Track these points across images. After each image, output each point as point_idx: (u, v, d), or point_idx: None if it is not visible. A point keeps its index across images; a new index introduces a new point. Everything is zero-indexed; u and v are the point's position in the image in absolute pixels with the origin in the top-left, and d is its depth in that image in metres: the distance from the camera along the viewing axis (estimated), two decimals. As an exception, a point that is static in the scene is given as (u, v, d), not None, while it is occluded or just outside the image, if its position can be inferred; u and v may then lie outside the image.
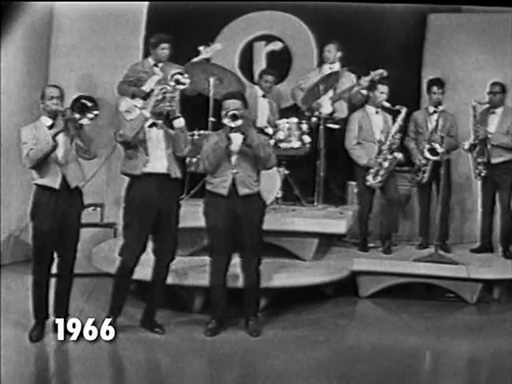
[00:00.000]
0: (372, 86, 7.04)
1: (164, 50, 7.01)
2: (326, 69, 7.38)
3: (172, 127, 5.51)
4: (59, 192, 5.27)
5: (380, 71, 7.11)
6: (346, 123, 7.13)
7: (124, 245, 5.54)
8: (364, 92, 7.22)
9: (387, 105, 6.95)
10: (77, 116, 5.11)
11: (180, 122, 5.47)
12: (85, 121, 5.14)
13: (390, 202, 7.05)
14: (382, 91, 6.98)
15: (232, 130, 5.42)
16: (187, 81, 5.67)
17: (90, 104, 5.15)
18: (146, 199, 5.43)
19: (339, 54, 7.35)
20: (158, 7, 7.64)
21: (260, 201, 5.65)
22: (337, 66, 7.36)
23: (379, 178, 6.91)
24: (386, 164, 6.90)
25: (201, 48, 7.10)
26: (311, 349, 5.48)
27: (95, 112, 5.15)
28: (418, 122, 7.19)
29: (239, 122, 5.38)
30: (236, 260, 5.63)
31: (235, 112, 5.39)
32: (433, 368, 5.40)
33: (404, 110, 6.93)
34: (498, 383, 5.02)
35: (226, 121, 5.40)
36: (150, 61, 7.07)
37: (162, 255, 5.57)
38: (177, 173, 5.53)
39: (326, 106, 7.23)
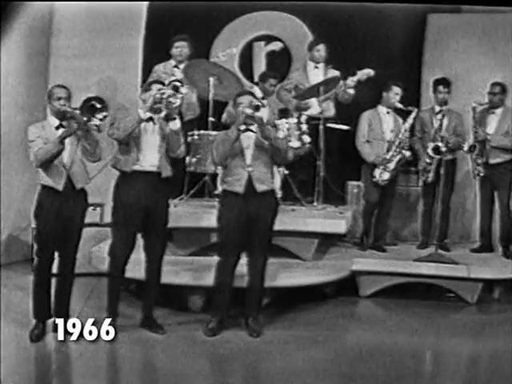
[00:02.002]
0: (387, 87, 7.02)
1: (178, 48, 7.07)
2: (312, 68, 7.38)
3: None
4: (63, 193, 5.27)
5: (367, 71, 7.10)
6: (356, 122, 7.13)
7: (112, 244, 5.55)
8: (351, 91, 7.21)
9: (400, 106, 6.96)
10: (86, 118, 5.10)
11: (175, 124, 5.42)
12: (95, 121, 5.12)
13: (381, 205, 7.08)
14: (396, 92, 6.98)
15: (246, 128, 5.40)
16: (184, 90, 5.60)
17: (99, 105, 5.13)
18: (134, 197, 5.41)
19: (326, 55, 7.34)
20: (158, 7, 7.63)
21: (274, 199, 5.65)
22: (322, 66, 7.36)
23: (387, 175, 6.92)
24: (393, 162, 6.92)
25: (218, 54, 7.16)
26: (311, 349, 5.48)
27: (104, 113, 5.13)
28: (424, 122, 7.20)
29: (260, 114, 5.37)
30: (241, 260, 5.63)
31: (258, 103, 5.40)
32: (433, 368, 5.40)
33: (415, 110, 6.96)
34: (498, 383, 5.02)
35: (247, 111, 5.35)
36: (172, 62, 7.12)
37: (151, 253, 5.57)
38: (168, 171, 5.50)
39: (314, 106, 7.23)
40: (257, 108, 5.38)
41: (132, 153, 5.41)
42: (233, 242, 5.52)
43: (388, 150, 6.95)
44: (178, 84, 5.52)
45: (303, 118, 7.05)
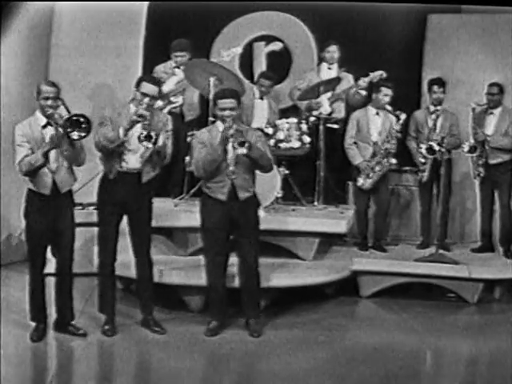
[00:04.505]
0: (376, 88, 7.03)
1: (178, 57, 7.08)
2: (325, 69, 7.38)
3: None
4: (50, 196, 5.27)
5: (379, 72, 7.10)
6: (346, 122, 7.15)
7: (99, 243, 5.56)
8: (363, 93, 7.22)
9: (389, 108, 6.95)
10: (68, 130, 5.07)
11: (154, 144, 5.33)
12: (74, 136, 5.09)
13: (378, 204, 7.12)
14: (386, 94, 6.97)
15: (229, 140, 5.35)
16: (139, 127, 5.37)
17: (84, 125, 5.09)
18: (114, 197, 5.44)
19: (339, 55, 7.34)
20: (158, 7, 7.65)
21: (256, 202, 5.64)
22: (335, 67, 7.36)
23: (369, 181, 6.94)
24: (377, 168, 6.92)
25: (221, 51, 7.16)
26: (312, 349, 5.47)
27: (84, 134, 5.08)
28: (419, 121, 7.20)
29: (245, 151, 5.30)
30: (235, 259, 5.62)
31: (243, 139, 5.29)
32: (433, 368, 5.39)
33: (403, 116, 6.93)
34: (498, 383, 5.01)
35: (235, 149, 5.30)
36: (172, 63, 7.13)
37: (139, 252, 5.59)
38: (149, 175, 5.50)
39: (324, 106, 7.23)
40: (241, 144, 5.31)
41: (115, 158, 5.41)
42: (216, 244, 5.53)
43: (373, 155, 6.95)
44: (139, 119, 5.40)
45: (311, 119, 7.06)
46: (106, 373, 5.17)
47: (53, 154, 5.22)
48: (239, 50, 7.24)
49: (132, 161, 5.45)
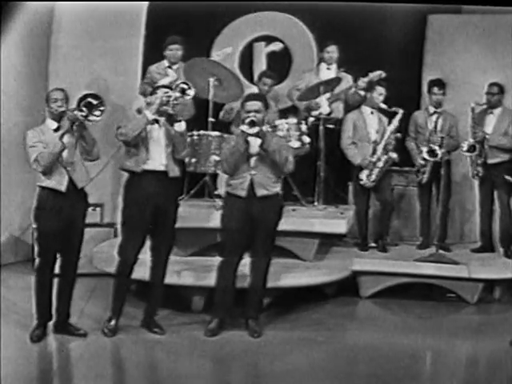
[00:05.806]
0: (370, 87, 7.05)
1: (172, 51, 7.08)
2: (324, 69, 7.38)
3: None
4: (65, 194, 5.27)
5: (378, 72, 7.11)
6: (342, 123, 7.15)
7: (122, 243, 5.54)
8: (362, 93, 7.22)
9: (384, 106, 6.96)
10: (83, 114, 5.11)
11: (180, 126, 5.46)
12: (92, 118, 5.14)
13: (382, 203, 7.09)
14: (380, 93, 6.99)
15: (250, 134, 5.41)
16: (192, 92, 5.61)
17: (95, 101, 5.16)
18: (143, 196, 5.43)
19: (337, 55, 7.34)
20: (158, 7, 7.64)
21: (278, 202, 5.64)
22: (334, 67, 7.36)
23: (373, 178, 6.93)
24: (379, 164, 6.92)
25: (212, 52, 7.18)
26: (312, 349, 5.47)
27: (101, 108, 5.16)
28: (419, 123, 7.20)
29: (256, 129, 5.37)
30: (243, 260, 5.62)
31: (253, 119, 5.39)
32: (433, 368, 5.39)
33: (400, 112, 6.94)
34: (497, 383, 5.01)
35: (244, 127, 5.39)
36: (165, 62, 7.13)
37: (158, 253, 5.57)
38: (175, 171, 5.54)
39: (323, 106, 7.23)
40: (251, 124, 5.37)
41: (141, 153, 5.44)
42: (235, 243, 5.53)
43: (374, 152, 6.95)
44: (185, 87, 5.52)
45: (310, 119, 7.06)
46: (106, 373, 5.16)
47: (66, 150, 5.23)
48: (230, 50, 7.24)
49: (156, 157, 5.45)
